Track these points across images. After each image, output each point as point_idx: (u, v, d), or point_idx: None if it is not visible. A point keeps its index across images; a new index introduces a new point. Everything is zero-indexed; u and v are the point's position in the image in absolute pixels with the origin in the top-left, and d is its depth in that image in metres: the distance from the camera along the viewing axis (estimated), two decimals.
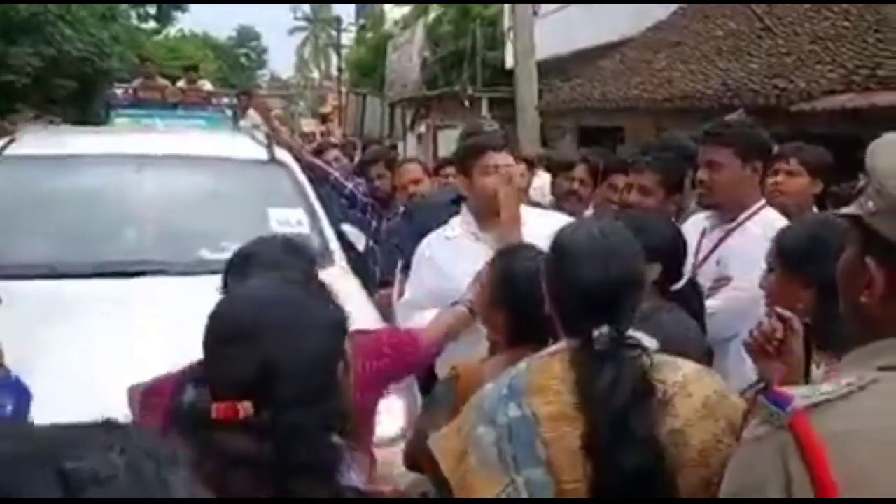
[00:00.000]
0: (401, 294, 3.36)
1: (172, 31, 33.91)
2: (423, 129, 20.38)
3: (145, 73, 11.80)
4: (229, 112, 10.12)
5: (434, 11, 21.38)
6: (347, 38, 40.99)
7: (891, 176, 1.09)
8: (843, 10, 7.59)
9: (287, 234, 4.26)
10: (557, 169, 3.94)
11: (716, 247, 2.92)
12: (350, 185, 5.18)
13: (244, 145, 5.07)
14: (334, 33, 44.86)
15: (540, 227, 2.52)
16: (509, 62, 14.59)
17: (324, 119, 38.27)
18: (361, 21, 37.30)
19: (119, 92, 11.47)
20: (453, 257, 2.87)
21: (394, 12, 28.22)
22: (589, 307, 1.56)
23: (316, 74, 57.31)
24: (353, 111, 24.81)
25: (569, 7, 13.81)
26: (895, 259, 1.10)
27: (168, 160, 4.65)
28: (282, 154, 4.97)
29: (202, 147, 5.06)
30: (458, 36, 18.85)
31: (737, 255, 2.76)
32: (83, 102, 17.94)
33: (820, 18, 7.98)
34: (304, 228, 4.37)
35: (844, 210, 1.20)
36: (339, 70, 39.88)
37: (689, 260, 2.65)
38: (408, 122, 21.49)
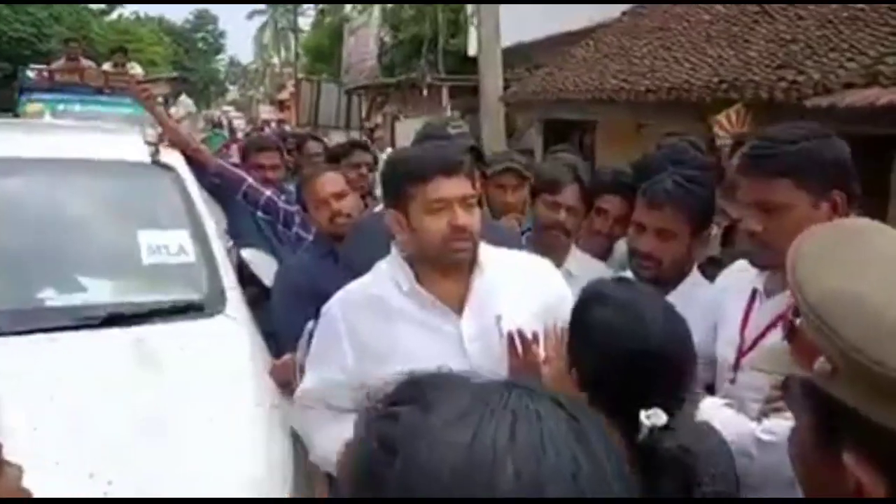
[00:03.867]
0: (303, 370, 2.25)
1: (126, 12, 32.32)
2: (378, 119, 19.16)
3: (69, 55, 10.66)
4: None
5: None
6: (306, 22, 39.59)
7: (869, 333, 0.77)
8: None
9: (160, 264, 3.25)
10: (539, 189, 2.77)
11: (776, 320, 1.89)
12: (268, 193, 4.03)
13: (130, 144, 3.85)
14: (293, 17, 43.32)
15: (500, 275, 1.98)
16: (472, 49, 13.55)
17: (282, 106, 36.82)
18: (320, 5, 35.92)
19: (32, 74, 10.17)
20: (385, 327, 1.95)
21: None
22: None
23: (276, 60, 55.60)
24: (307, 99, 23.41)
25: None
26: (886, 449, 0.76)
27: (10, 164, 3.42)
28: (170, 156, 3.78)
29: (72, 147, 3.81)
30: (418, 20, 17.64)
31: None
32: None
33: None
34: (187, 257, 3.22)
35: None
36: (297, 55, 38.43)
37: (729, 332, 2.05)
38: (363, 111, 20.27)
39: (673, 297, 2.30)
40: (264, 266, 3.51)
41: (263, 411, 2.48)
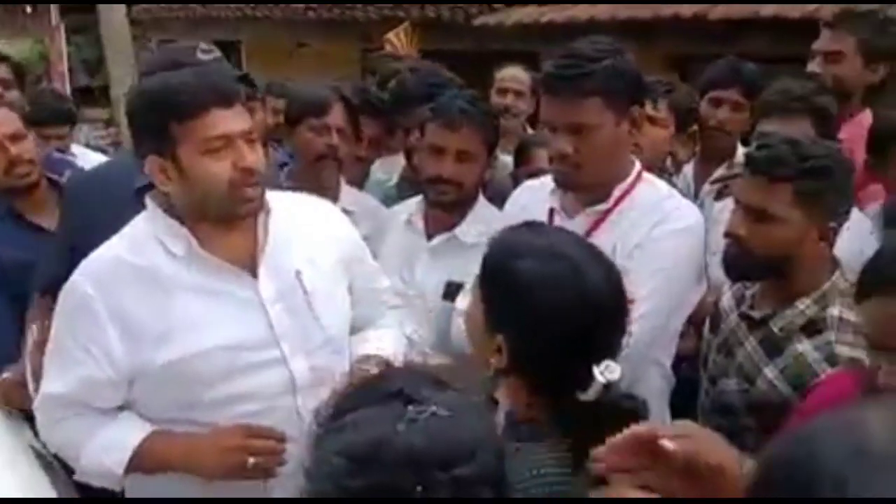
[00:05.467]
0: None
1: None
2: None
3: None
4: None
5: None
6: None
7: None
8: None
9: None
10: (302, 114, 2.36)
11: None
12: None
13: None
14: None
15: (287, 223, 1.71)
16: None
17: None
18: None
19: None
20: (161, 302, 1.59)
21: None
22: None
23: None
24: None
25: None
26: None
27: None
28: None
29: None
30: None
31: None
32: None
33: None
34: None
35: None
36: None
37: None
38: None
39: (469, 223, 2.19)
40: None
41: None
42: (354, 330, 1.81)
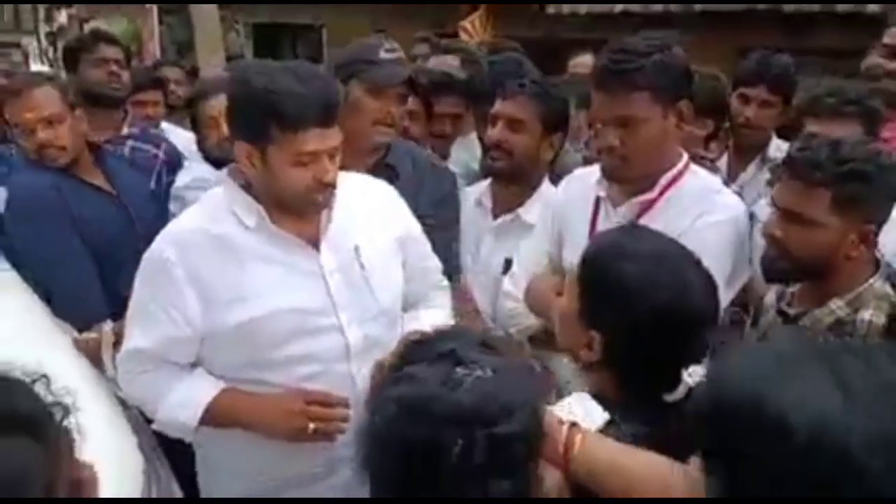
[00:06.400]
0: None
1: None
2: (63, 19, 16.84)
3: None
4: None
5: None
6: None
7: None
8: None
9: None
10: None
11: None
12: None
13: None
14: None
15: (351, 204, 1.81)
16: None
17: None
18: None
19: None
20: (234, 269, 1.73)
21: None
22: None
23: None
24: None
25: None
26: None
27: None
28: None
29: None
30: None
31: None
32: None
33: None
34: None
35: None
36: None
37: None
38: (40, 10, 17.63)
39: (532, 203, 2.30)
40: None
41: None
42: (406, 305, 1.94)
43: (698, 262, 1.34)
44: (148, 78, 3.73)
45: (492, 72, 2.65)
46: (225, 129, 1.96)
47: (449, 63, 3.07)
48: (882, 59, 2.52)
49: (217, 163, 2.55)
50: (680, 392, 1.24)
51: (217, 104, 2.53)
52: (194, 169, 2.84)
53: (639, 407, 1.25)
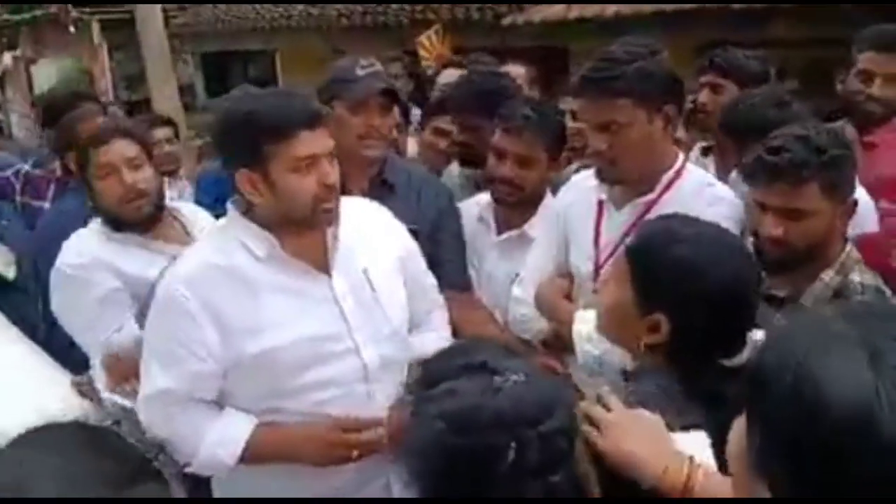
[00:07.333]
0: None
1: None
2: (7, 61, 16.55)
3: None
4: None
5: None
6: None
7: None
8: None
9: None
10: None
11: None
12: None
13: None
14: None
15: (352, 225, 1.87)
16: None
17: None
18: None
19: None
20: (248, 301, 1.76)
21: None
22: None
23: None
24: None
25: None
26: None
27: None
28: None
29: None
30: None
31: None
32: None
33: None
34: None
35: None
36: None
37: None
38: None
39: (537, 219, 2.36)
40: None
41: None
42: (411, 325, 1.97)
43: (736, 237, 1.50)
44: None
45: (473, 88, 2.69)
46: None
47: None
48: (860, 85, 2.60)
49: None
50: (746, 354, 1.35)
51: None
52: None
53: (706, 376, 1.36)
